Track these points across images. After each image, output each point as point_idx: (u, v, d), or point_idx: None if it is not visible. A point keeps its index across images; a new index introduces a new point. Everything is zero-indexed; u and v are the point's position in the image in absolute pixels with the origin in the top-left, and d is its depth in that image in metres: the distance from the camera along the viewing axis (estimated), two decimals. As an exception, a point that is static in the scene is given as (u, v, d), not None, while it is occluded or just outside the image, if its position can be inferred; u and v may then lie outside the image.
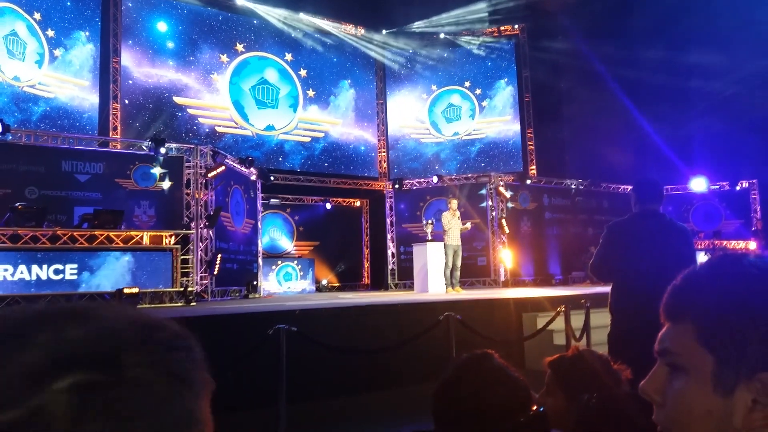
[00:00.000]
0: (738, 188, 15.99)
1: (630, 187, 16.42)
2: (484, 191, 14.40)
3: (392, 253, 15.32)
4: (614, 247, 3.70)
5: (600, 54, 15.79)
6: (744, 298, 0.65)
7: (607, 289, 3.80)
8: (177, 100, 14.26)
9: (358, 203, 17.26)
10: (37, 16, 12.45)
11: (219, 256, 10.57)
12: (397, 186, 15.23)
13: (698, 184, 16.23)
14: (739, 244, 14.61)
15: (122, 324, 0.49)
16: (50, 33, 12.63)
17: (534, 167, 17.17)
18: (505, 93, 17.60)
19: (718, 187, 16.29)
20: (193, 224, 10.28)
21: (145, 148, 10.81)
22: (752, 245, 14.29)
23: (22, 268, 8.14)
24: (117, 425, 0.44)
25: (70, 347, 0.45)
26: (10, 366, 0.44)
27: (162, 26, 14.32)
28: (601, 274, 3.82)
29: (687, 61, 16.06)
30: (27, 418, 0.42)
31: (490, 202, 14.22)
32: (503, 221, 13.74)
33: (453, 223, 10.86)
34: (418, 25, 17.36)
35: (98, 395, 0.44)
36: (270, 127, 15.69)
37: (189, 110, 14.45)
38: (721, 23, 14.74)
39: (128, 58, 13.72)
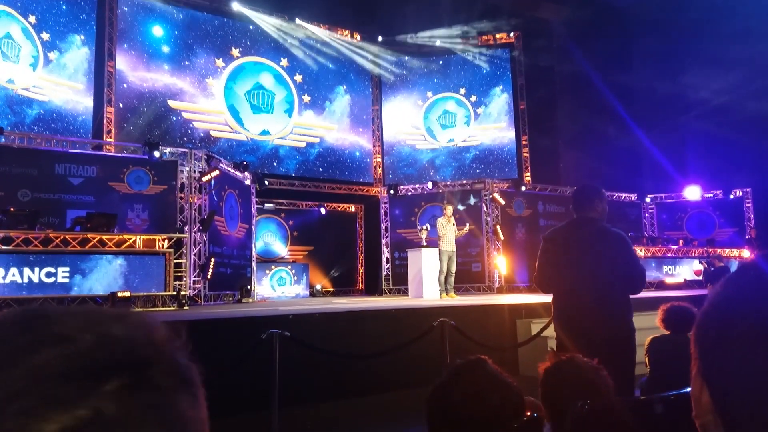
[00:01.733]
0: (732, 197, 16.08)
1: (628, 195, 16.42)
2: (476, 198, 14.42)
3: (387, 259, 15.31)
4: (550, 256, 3.64)
5: (595, 62, 15.88)
6: (705, 307, 0.69)
7: None
8: (172, 104, 14.24)
9: (352, 208, 17.25)
10: (32, 19, 12.42)
11: (212, 260, 10.54)
12: (392, 192, 15.23)
13: (692, 193, 16.31)
14: (732, 252, 14.66)
15: (157, 328, 0.49)
16: (45, 36, 12.60)
17: (528, 174, 17.20)
18: (500, 100, 17.65)
19: (711, 195, 16.36)
20: (186, 228, 10.25)
21: (138, 151, 10.78)
22: (745, 253, 14.34)
23: (14, 270, 8.09)
24: (162, 429, 0.44)
25: (114, 348, 0.45)
26: (55, 365, 0.43)
27: (157, 30, 14.30)
28: (542, 286, 3.75)
29: (682, 71, 16.17)
30: (88, 419, 0.41)
31: (484, 208, 14.23)
32: (498, 227, 13.75)
33: (448, 228, 10.87)
34: (413, 32, 17.40)
35: (142, 399, 0.44)
36: (265, 132, 15.68)
37: (184, 114, 14.43)
38: (716, 33, 14.85)
39: (123, 62, 13.70)
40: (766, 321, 0.60)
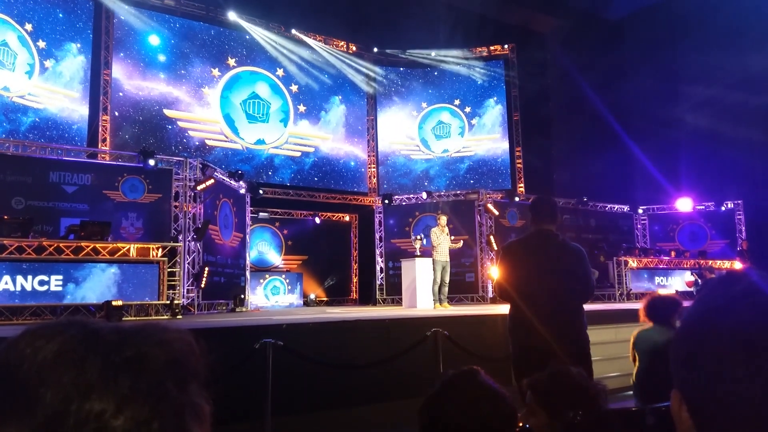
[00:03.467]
0: (723, 208, 16.17)
1: (621, 206, 16.45)
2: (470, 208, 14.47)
3: (381, 268, 15.31)
4: (509, 267, 3.74)
5: (588, 74, 16.00)
6: (682, 324, 0.70)
7: (600, 306, 3.81)
8: (167, 113, 14.25)
9: (347, 218, 17.27)
10: (29, 26, 12.44)
11: (206, 269, 10.52)
12: (386, 201, 15.26)
13: (684, 204, 16.40)
14: (724, 264, 14.74)
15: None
16: (41, 44, 12.61)
17: (522, 185, 17.28)
18: (494, 111, 17.76)
19: (703, 207, 16.45)
20: (180, 237, 10.24)
21: (133, 160, 10.79)
22: (737, 265, 14.42)
23: (7, 279, 8.06)
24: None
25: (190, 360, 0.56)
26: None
27: (154, 39, 14.34)
28: (503, 295, 3.83)
29: (674, 83, 16.31)
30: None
31: (478, 219, 14.28)
32: (492, 238, 13.79)
33: (442, 239, 10.89)
34: (408, 44, 17.50)
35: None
36: (260, 141, 15.71)
37: (179, 123, 14.45)
38: (709, 48, 15.00)
39: (119, 71, 13.72)
40: (737, 334, 0.61)
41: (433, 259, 10.91)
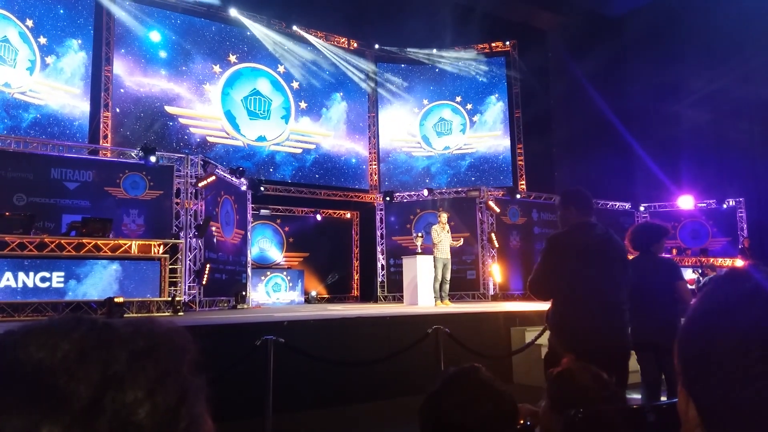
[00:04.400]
0: (725, 206, 16.13)
1: (622, 204, 16.33)
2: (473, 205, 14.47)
3: (382, 266, 15.31)
4: (559, 261, 3.44)
5: (589, 71, 15.97)
6: (688, 321, 0.69)
7: None
8: (168, 109, 14.25)
9: (348, 215, 17.26)
10: (30, 23, 12.44)
11: (208, 266, 10.53)
12: (387, 199, 15.26)
13: (686, 202, 16.37)
14: (725, 262, 14.72)
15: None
16: (42, 40, 12.61)
17: (523, 182, 17.27)
18: (495, 108, 17.73)
19: (705, 205, 16.42)
20: (182, 234, 10.24)
21: (135, 156, 10.79)
22: (739, 263, 14.40)
23: (9, 275, 8.07)
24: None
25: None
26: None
27: (155, 36, 14.33)
28: (541, 291, 3.55)
29: (676, 81, 16.27)
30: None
31: (480, 216, 14.27)
32: (493, 235, 13.79)
33: (442, 236, 10.89)
34: (410, 41, 17.46)
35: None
36: (261, 138, 15.70)
37: (180, 120, 14.44)
38: (711, 45, 14.97)
39: (120, 67, 13.71)
40: (750, 333, 0.60)
41: (434, 257, 10.91)
